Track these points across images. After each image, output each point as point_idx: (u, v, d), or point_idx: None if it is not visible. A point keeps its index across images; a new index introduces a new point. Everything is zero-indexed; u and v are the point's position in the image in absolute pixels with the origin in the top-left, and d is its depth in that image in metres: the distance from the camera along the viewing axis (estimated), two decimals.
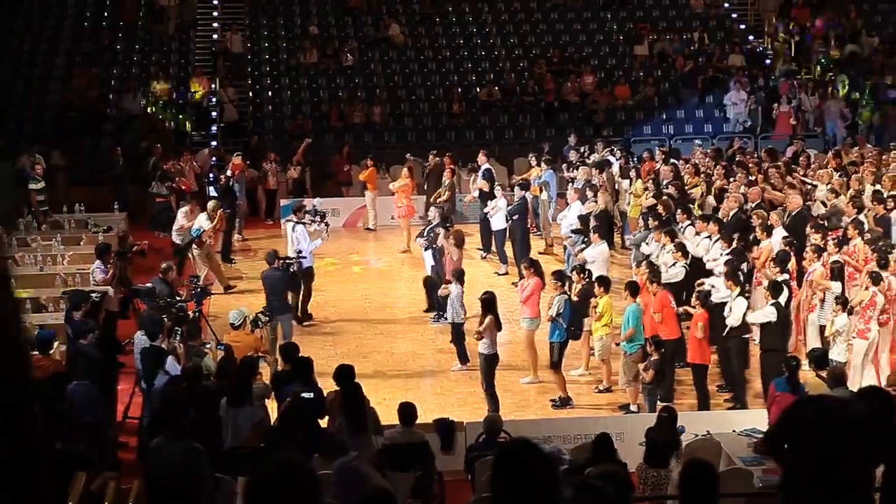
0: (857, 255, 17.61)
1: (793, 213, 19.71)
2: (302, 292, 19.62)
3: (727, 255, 17.61)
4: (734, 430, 13.38)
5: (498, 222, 22.63)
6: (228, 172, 25.90)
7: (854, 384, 14.76)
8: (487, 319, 15.69)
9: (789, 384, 13.34)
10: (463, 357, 17.56)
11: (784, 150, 27.19)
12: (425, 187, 26.65)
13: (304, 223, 19.94)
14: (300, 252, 19.32)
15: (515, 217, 22.40)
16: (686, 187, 22.49)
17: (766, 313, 15.54)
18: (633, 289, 16.30)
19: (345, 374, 12.68)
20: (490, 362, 15.71)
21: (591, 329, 16.70)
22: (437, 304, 19.35)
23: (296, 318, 19.02)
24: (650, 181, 23.09)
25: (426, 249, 20.30)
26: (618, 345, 16.38)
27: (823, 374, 13.38)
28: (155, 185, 25.84)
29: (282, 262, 18.27)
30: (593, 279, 17.04)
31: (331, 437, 11.66)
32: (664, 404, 14.14)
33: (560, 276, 16.75)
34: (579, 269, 17.45)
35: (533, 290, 16.72)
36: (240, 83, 33.15)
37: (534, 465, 5.73)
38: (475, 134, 31.49)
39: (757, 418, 13.60)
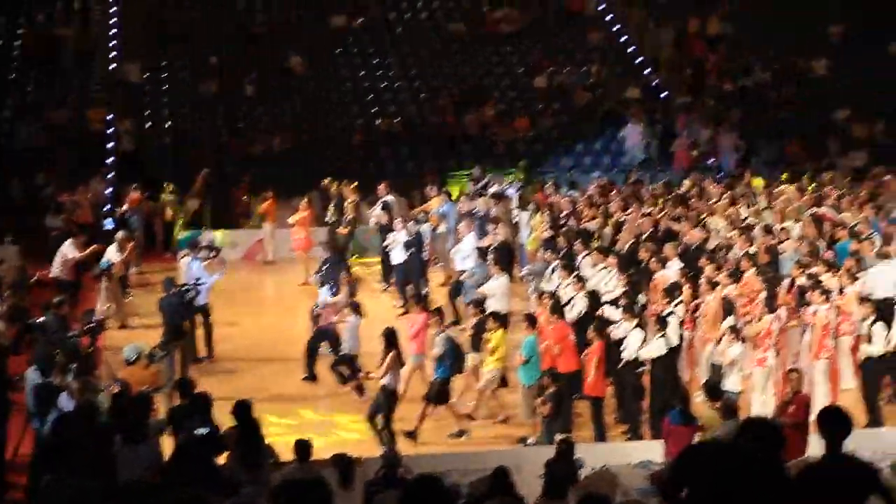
0: (749, 287, 17.95)
1: (691, 246, 20.01)
2: (203, 330, 19.48)
3: (624, 287, 17.80)
4: (630, 463, 13.50)
5: (397, 255, 22.63)
6: (125, 206, 25.57)
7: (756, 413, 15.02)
8: (389, 356, 15.63)
9: (682, 417, 13.51)
10: (360, 389, 17.53)
11: (680, 183, 27.61)
12: (326, 220, 26.30)
13: (199, 258, 19.80)
14: (198, 279, 19.15)
15: (412, 251, 22.40)
16: (583, 219, 22.72)
17: (655, 347, 15.72)
18: (532, 321, 16.41)
19: (242, 410, 12.55)
20: (390, 397, 15.66)
21: (481, 362, 16.75)
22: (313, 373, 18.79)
23: (196, 360, 18.89)
24: (546, 213, 23.29)
25: (321, 286, 20.15)
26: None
27: (717, 405, 13.55)
28: (49, 218, 25.40)
29: (178, 289, 18.18)
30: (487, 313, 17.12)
31: (229, 474, 11.51)
32: (562, 436, 14.20)
33: (440, 313, 16.82)
34: (476, 303, 17.47)
35: (421, 326, 16.72)
36: (138, 113, 32.73)
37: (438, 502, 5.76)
38: (376, 165, 31.47)
39: (652, 450, 13.73)
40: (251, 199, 28.20)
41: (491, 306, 17.84)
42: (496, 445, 15.93)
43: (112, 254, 21.20)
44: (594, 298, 17.95)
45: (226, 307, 21.82)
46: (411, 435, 16.10)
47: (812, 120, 34.18)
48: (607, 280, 18.48)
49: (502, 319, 16.88)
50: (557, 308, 16.56)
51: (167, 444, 12.93)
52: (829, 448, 7.26)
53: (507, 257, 21.36)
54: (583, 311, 17.57)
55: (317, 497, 5.93)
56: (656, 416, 15.33)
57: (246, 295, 23.81)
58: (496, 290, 18.70)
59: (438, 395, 16.32)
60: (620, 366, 16.04)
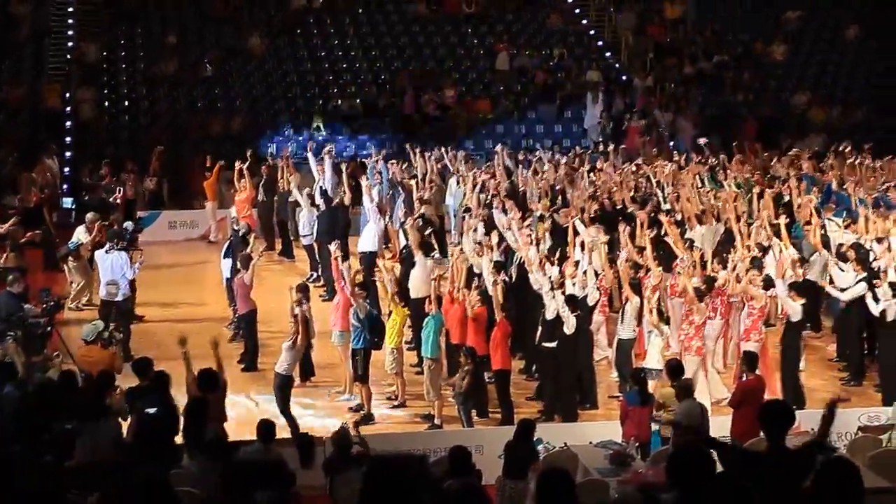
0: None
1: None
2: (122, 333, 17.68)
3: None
4: (591, 442, 13.58)
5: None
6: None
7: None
8: (299, 337, 15.56)
9: (640, 396, 13.61)
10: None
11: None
12: (259, 199, 25.43)
13: (118, 249, 18.77)
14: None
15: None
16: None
17: (569, 325, 15.80)
18: (437, 300, 16.37)
19: (204, 380, 12.63)
20: (285, 383, 15.44)
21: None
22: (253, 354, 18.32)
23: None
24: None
25: (225, 257, 19.76)
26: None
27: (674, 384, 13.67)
28: (7, 197, 25.18)
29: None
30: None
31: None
32: (523, 417, 14.24)
33: (363, 286, 16.75)
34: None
35: (343, 304, 16.68)
36: (96, 92, 32.42)
37: (401, 484, 5.76)
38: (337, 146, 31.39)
39: (613, 431, 13.82)
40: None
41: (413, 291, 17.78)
42: (404, 427, 15.90)
43: (80, 234, 20.99)
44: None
45: (191, 287, 21.81)
46: (367, 419, 16.01)
47: (769, 104, 34.47)
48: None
49: (406, 297, 16.88)
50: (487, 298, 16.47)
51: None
52: (771, 440, 7.37)
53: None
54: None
55: (409, 474, 5.90)
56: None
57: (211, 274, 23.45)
58: (415, 276, 18.23)
59: (364, 371, 16.22)
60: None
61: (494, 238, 18.62)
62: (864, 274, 17.47)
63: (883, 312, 16.66)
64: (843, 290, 17.72)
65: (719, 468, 6.88)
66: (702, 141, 27.70)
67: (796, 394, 15.82)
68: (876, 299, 16.72)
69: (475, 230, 19.54)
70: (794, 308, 16.19)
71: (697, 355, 15.95)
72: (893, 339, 16.77)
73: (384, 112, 32.86)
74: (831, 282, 18.11)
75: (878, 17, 36.84)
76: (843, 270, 17.96)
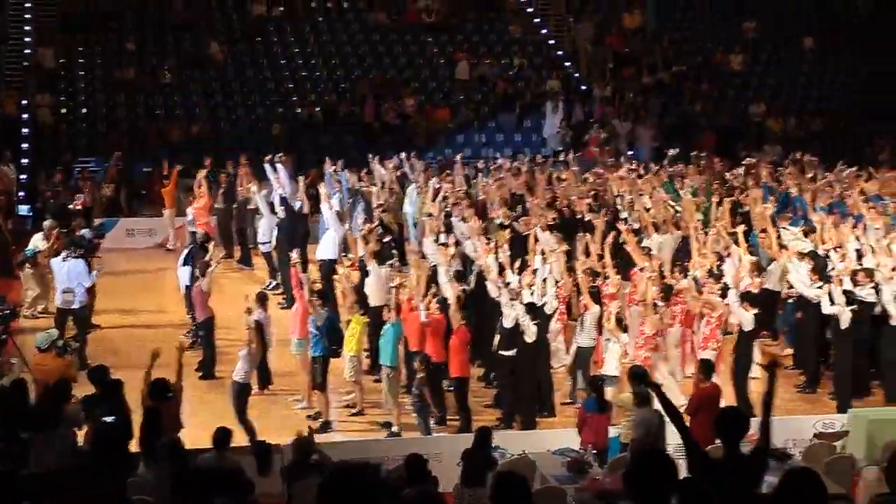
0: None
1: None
2: (79, 341, 17.79)
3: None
4: (548, 450, 13.60)
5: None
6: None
7: None
8: (254, 345, 15.52)
9: (597, 404, 13.65)
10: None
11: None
12: (218, 206, 24.98)
13: (74, 256, 18.63)
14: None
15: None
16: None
17: (529, 334, 15.82)
18: (397, 309, 16.35)
19: (155, 390, 12.54)
20: (242, 391, 15.39)
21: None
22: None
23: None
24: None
25: (184, 265, 19.60)
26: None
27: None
28: None
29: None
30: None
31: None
32: (481, 425, 14.25)
33: (321, 294, 16.73)
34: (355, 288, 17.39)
35: (302, 311, 16.66)
36: (54, 98, 32.19)
37: (359, 491, 5.75)
38: (296, 154, 31.23)
39: (570, 438, 13.84)
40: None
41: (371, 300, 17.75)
42: (366, 434, 15.90)
43: (38, 241, 20.82)
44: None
45: (149, 295, 21.78)
46: (325, 427, 15.99)
47: (728, 114, 34.69)
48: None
49: (365, 305, 16.92)
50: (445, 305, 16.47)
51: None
52: (727, 447, 7.44)
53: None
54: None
55: (366, 482, 5.87)
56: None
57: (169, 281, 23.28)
58: (371, 280, 18.12)
59: (323, 379, 16.18)
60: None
61: (452, 245, 18.66)
62: (821, 283, 17.59)
63: (836, 320, 16.83)
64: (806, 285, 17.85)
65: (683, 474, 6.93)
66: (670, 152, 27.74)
67: (746, 402, 15.91)
68: (832, 301, 16.86)
69: (435, 239, 19.55)
70: (746, 318, 16.27)
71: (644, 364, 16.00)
72: (847, 346, 16.98)
73: (344, 120, 32.81)
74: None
75: (860, 25, 37.14)
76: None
